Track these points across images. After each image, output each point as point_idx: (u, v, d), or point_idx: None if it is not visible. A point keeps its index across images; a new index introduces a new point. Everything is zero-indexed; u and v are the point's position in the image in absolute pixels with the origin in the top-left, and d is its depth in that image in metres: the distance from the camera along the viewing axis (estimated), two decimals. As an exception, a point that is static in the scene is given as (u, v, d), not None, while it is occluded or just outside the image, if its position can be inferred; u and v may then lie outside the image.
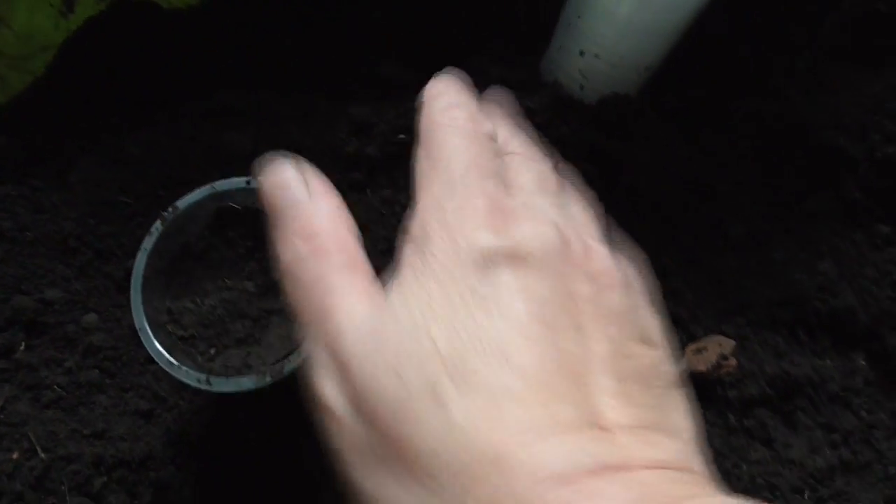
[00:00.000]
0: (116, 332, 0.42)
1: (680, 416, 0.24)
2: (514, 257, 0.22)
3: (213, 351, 0.33)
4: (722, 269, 0.39)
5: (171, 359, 0.31)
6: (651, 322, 0.26)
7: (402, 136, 0.44)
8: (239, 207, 0.34)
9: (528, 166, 0.28)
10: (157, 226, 0.33)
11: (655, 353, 0.25)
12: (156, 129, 0.49)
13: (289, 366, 0.30)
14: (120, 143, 0.49)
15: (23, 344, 0.41)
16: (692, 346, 0.35)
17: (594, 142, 0.42)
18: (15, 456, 0.36)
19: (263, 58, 0.51)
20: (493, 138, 0.28)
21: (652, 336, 0.26)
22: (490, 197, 0.24)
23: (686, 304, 0.38)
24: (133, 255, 0.44)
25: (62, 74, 0.51)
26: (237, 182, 0.34)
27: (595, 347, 0.23)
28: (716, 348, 0.34)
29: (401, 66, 0.49)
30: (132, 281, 0.32)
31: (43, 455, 0.37)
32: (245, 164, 0.47)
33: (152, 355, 0.31)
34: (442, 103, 0.28)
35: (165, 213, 0.33)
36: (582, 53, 0.41)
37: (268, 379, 0.30)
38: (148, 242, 0.33)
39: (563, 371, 0.21)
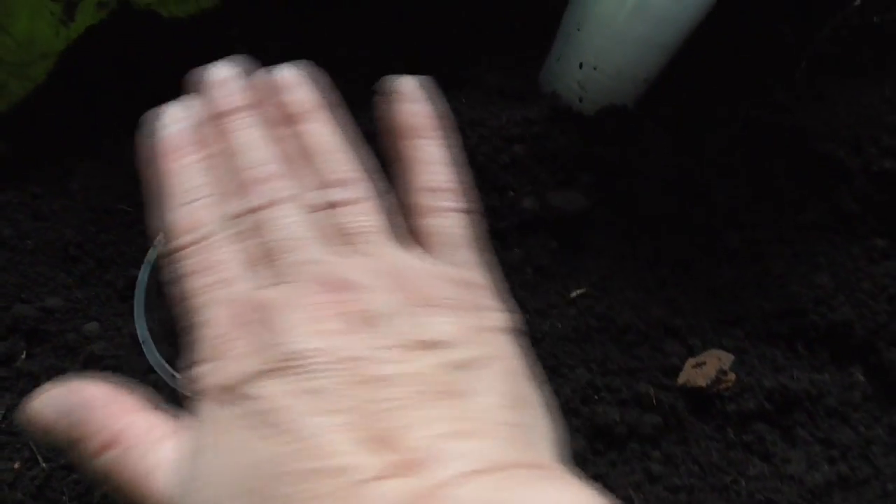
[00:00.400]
0: (117, 340, 0.42)
1: None
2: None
3: None
4: (718, 279, 0.39)
5: (173, 371, 0.31)
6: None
7: (401, 146, 0.44)
8: None
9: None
10: (161, 238, 0.33)
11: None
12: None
13: None
14: (120, 150, 0.49)
15: (24, 352, 0.41)
16: (692, 361, 0.35)
17: (592, 152, 0.43)
18: (16, 466, 0.36)
19: (264, 64, 0.51)
20: None
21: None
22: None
23: (683, 315, 0.39)
24: (134, 264, 0.45)
25: (63, 81, 0.51)
26: None
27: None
28: (715, 363, 0.34)
29: (400, 74, 0.49)
30: (136, 293, 0.33)
31: (44, 465, 0.37)
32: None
33: (154, 367, 0.31)
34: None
35: None
36: (581, 65, 0.42)
37: None
38: (152, 255, 0.33)
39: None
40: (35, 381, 0.40)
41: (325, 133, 0.28)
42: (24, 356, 0.41)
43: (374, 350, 0.20)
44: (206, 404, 0.21)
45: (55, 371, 0.41)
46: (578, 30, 0.41)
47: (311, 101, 0.28)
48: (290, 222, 0.23)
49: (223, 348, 0.21)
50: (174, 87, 0.52)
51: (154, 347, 0.31)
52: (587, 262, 0.41)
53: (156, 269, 0.33)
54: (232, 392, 0.20)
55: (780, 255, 0.38)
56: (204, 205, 0.24)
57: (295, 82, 0.29)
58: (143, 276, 0.33)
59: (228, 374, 0.20)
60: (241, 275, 0.23)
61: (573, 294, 0.40)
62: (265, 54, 0.52)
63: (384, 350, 0.20)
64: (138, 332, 0.32)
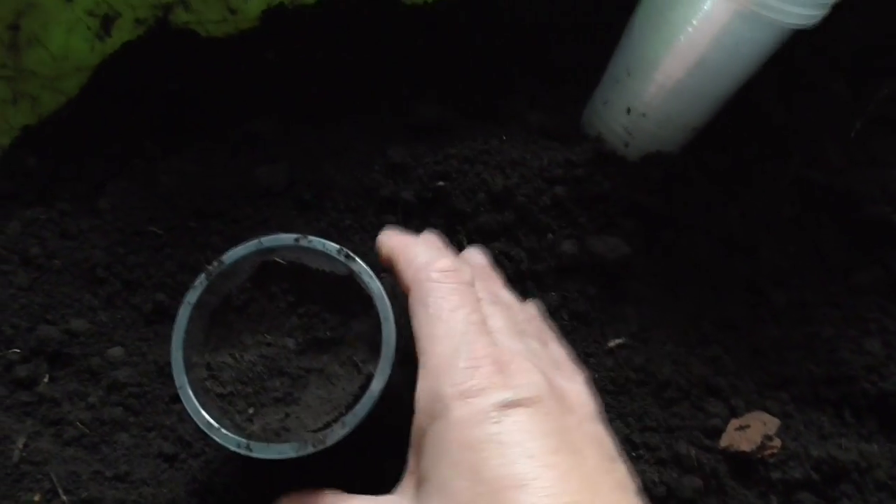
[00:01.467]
0: (142, 367, 0.41)
1: None
2: (518, 405, 0.27)
3: (251, 410, 0.31)
4: (764, 339, 0.38)
5: (211, 420, 0.30)
6: (609, 439, 0.30)
7: (440, 182, 0.43)
8: (284, 262, 0.33)
9: (502, 313, 0.33)
10: (202, 279, 0.32)
11: (621, 467, 0.29)
12: (188, 158, 0.49)
13: (332, 436, 0.29)
14: (151, 169, 0.48)
15: (46, 376, 0.41)
16: (735, 423, 0.34)
17: (636, 199, 0.42)
18: (37, 498, 0.35)
19: (300, 91, 0.51)
20: (472, 285, 0.32)
21: (614, 451, 0.30)
22: (490, 355, 0.28)
23: (726, 374, 0.38)
24: (162, 288, 0.44)
25: (96, 96, 0.50)
26: (285, 239, 0.33)
27: (590, 463, 0.27)
28: (759, 427, 0.33)
29: (438, 107, 0.48)
30: (173, 335, 0.31)
31: (64, 497, 0.36)
32: (278, 200, 0.47)
33: (192, 415, 0.30)
34: (433, 263, 0.31)
35: (210, 267, 0.32)
36: (629, 111, 0.41)
37: (310, 448, 0.29)
38: (192, 296, 0.32)
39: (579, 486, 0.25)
40: (57, 406, 0.39)
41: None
42: (46, 380, 0.40)
43: None
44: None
45: (77, 397, 0.40)
46: (628, 75, 0.40)
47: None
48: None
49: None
50: (208, 106, 0.51)
51: (192, 395, 0.30)
52: (627, 311, 0.41)
53: (195, 309, 0.32)
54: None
55: (828, 318, 0.37)
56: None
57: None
58: (181, 318, 0.32)
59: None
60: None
61: (611, 343, 0.40)
62: (300, 78, 0.52)
63: None
64: (175, 377, 0.31)
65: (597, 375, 0.38)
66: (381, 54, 0.50)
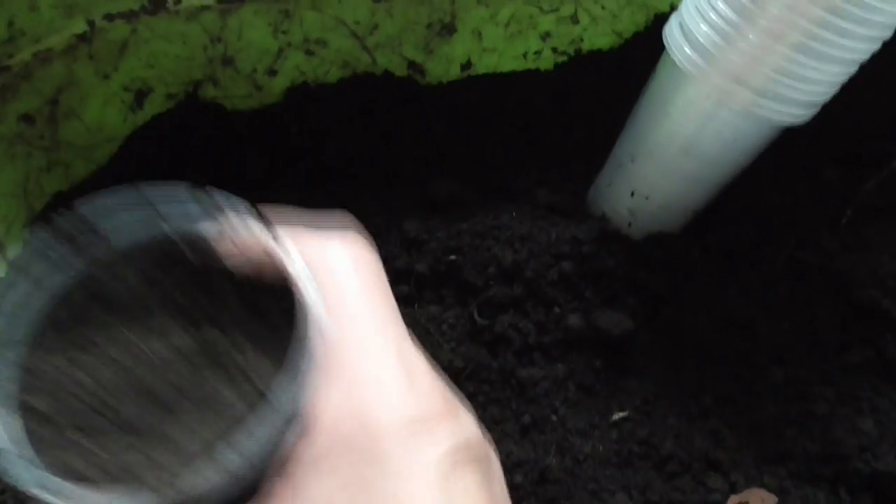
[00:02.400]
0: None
1: None
2: (470, 460, 0.23)
3: (81, 439, 0.21)
4: (762, 414, 0.40)
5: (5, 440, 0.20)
6: None
7: (452, 256, 0.45)
8: (182, 245, 0.24)
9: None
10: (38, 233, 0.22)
11: None
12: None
13: (201, 478, 0.19)
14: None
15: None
16: (735, 499, 0.36)
17: (639, 276, 0.44)
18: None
19: (319, 164, 0.53)
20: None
21: None
22: (429, 372, 0.24)
23: (726, 448, 0.39)
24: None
25: (125, 165, 0.53)
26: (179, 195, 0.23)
27: None
28: (758, 503, 0.35)
29: (452, 183, 0.51)
30: None
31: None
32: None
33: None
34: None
35: (58, 216, 0.23)
36: (633, 194, 0.43)
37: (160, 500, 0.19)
38: (21, 257, 0.22)
39: None
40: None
41: None
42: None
43: None
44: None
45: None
46: (632, 161, 0.43)
47: None
48: None
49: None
50: (230, 174, 0.54)
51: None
52: (630, 383, 0.42)
53: (30, 279, 0.22)
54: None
55: (823, 396, 0.39)
56: None
57: None
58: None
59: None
60: None
61: (616, 416, 0.41)
62: (320, 152, 0.54)
63: None
64: None
65: (601, 448, 0.40)
66: (398, 131, 0.53)
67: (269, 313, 0.23)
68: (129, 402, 0.22)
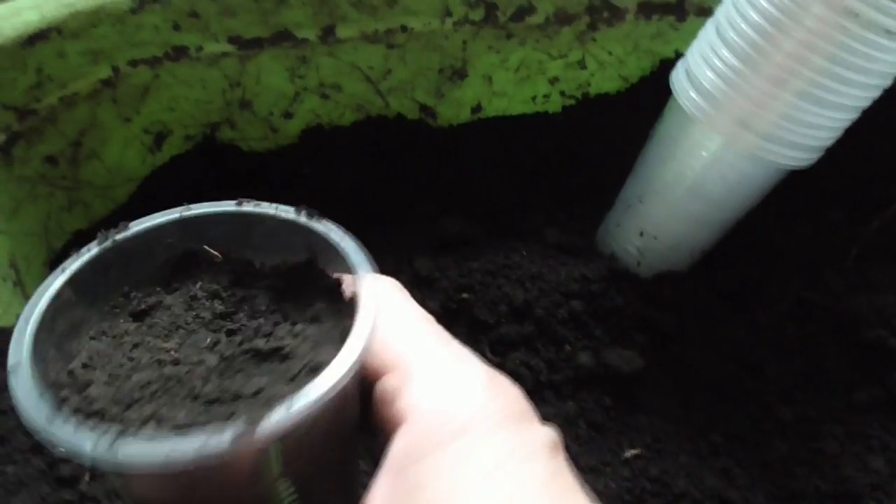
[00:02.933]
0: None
1: None
2: (558, 448, 0.23)
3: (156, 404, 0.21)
4: (772, 452, 0.40)
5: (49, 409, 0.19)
6: None
7: (464, 294, 0.46)
8: (216, 254, 0.25)
9: None
10: (93, 246, 0.23)
11: None
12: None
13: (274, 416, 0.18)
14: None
15: (87, 474, 0.42)
16: (748, 537, 0.36)
17: (648, 314, 0.45)
18: None
19: (332, 204, 0.54)
20: None
21: None
22: (500, 376, 0.25)
23: (738, 486, 0.39)
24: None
25: (143, 203, 0.54)
26: (223, 205, 0.25)
27: None
28: (772, 541, 0.35)
29: (463, 223, 0.52)
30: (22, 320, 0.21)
31: None
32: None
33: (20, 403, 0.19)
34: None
35: (109, 232, 0.24)
36: (641, 234, 0.44)
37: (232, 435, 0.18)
38: (72, 263, 0.23)
39: None
40: (96, 505, 0.41)
41: None
42: (87, 478, 0.42)
43: None
44: None
45: (117, 496, 0.41)
46: (640, 202, 0.44)
47: None
48: None
49: None
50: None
51: (29, 378, 0.20)
52: (640, 421, 0.43)
53: (77, 287, 0.23)
54: None
55: (832, 434, 0.39)
56: None
57: None
58: (51, 288, 0.22)
59: None
60: None
61: (627, 454, 0.41)
62: (333, 192, 0.56)
63: None
64: (11, 353, 0.20)
65: (614, 485, 0.40)
66: (410, 172, 0.54)
67: (317, 321, 0.24)
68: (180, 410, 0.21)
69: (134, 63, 0.48)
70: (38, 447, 0.42)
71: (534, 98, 0.56)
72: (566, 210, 0.54)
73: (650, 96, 0.45)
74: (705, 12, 0.41)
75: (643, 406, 0.43)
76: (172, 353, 0.23)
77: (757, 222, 0.43)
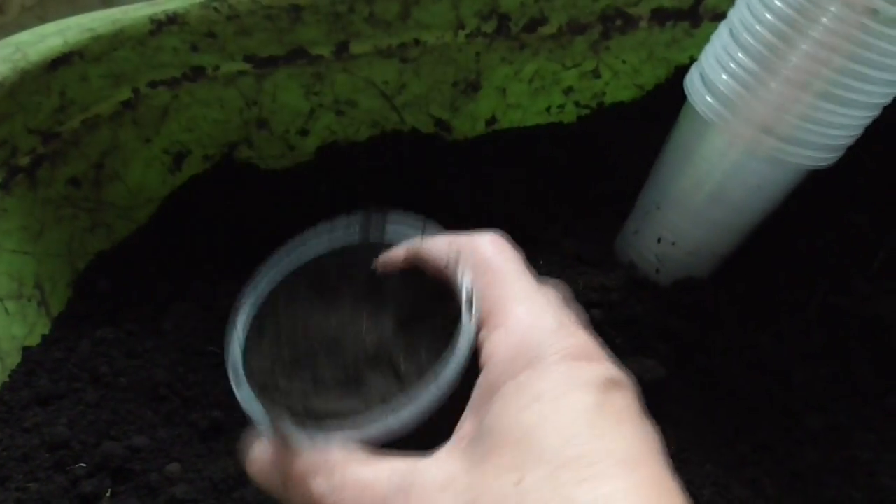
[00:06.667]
0: (198, 483, 0.43)
1: None
2: (619, 387, 0.26)
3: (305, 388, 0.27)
4: (802, 462, 0.39)
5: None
6: None
7: (483, 306, 0.46)
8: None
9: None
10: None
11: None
12: (245, 282, 0.52)
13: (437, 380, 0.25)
14: (211, 292, 0.52)
15: (108, 491, 0.42)
16: (779, 548, 0.35)
17: (669, 323, 0.44)
18: None
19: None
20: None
21: None
22: (578, 324, 0.28)
23: (766, 496, 0.38)
24: (218, 406, 0.46)
25: (163, 224, 0.55)
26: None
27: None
28: (804, 552, 0.34)
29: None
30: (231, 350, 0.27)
31: None
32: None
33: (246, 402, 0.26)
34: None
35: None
36: (659, 240, 0.44)
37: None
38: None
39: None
40: (117, 522, 0.41)
41: None
42: (108, 495, 0.42)
43: None
44: None
45: (137, 513, 0.41)
46: (658, 208, 0.43)
47: None
48: None
49: None
50: (265, 233, 0.55)
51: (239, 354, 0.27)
52: (665, 431, 0.41)
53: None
54: None
55: (865, 442, 0.38)
56: None
57: None
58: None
59: None
60: None
61: (652, 465, 0.41)
62: (350, 208, 0.56)
63: None
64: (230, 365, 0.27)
65: (639, 497, 0.39)
66: (426, 185, 0.54)
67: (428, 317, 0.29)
68: (336, 364, 0.28)
69: (153, 84, 0.49)
70: (60, 465, 0.42)
71: (548, 109, 0.56)
72: (583, 219, 0.53)
73: (666, 104, 0.45)
74: (720, 17, 0.40)
75: (667, 416, 0.42)
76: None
77: (779, 227, 0.42)
